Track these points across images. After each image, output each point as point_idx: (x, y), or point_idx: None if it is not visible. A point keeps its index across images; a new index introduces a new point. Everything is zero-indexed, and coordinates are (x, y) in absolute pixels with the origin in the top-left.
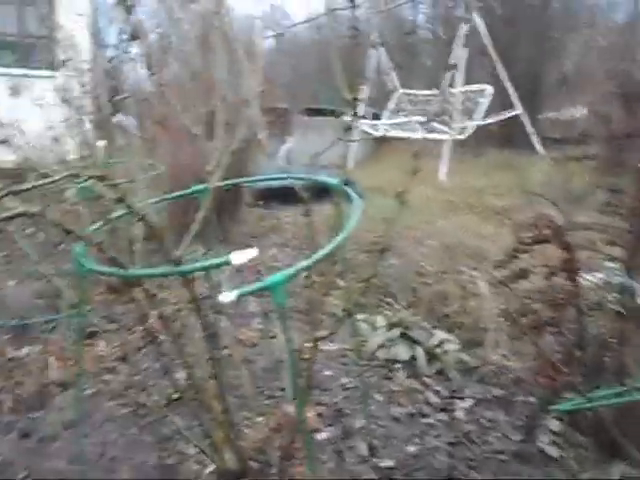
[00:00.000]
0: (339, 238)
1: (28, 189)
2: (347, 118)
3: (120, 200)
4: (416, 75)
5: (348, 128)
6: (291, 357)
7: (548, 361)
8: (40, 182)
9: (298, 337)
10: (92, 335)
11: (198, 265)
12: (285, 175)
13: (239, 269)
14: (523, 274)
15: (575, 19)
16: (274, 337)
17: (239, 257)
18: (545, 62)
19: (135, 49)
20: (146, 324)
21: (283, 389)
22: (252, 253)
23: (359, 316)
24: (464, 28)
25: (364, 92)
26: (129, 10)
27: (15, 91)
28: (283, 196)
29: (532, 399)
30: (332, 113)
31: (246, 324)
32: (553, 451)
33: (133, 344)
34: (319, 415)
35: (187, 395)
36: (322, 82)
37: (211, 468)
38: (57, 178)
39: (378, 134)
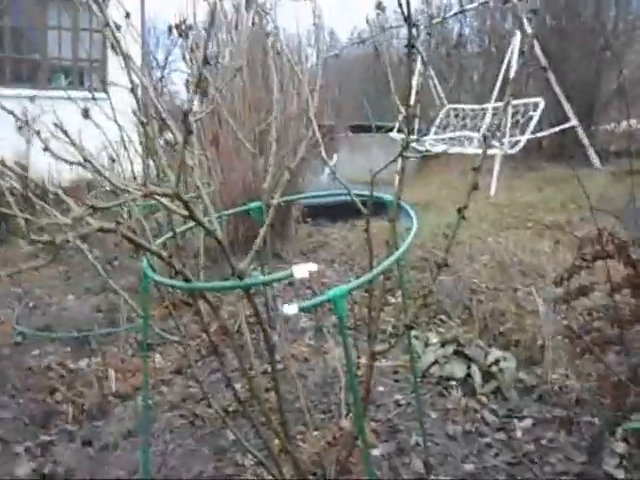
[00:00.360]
0: (398, 252)
1: (113, 205)
2: (393, 134)
3: (191, 217)
4: (463, 89)
5: (406, 146)
6: (349, 369)
7: (613, 380)
8: (121, 200)
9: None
10: (149, 348)
11: (263, 278)
12: (346, 191)
13: (290, 284)
14: (584, 290)
15: (632, 27)
16: (326, 353)
17: (301, 270)
18: (600, 72)
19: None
20: (208, 335)
21: (337, 404)
22: (312, 267)
23: (412, 332)
24: (516, 39)
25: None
26: (186, 35)
27: (85, 114)
28: (330, 213)
29: (596, 420)
30: (378, 130)
31: (297, 340)
32: (619, 474)
33: (188, 358)
34: (374, 431)
35: (243, 408)
36: (368, 98)
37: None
38: (138, 195)
39: (424, 149)
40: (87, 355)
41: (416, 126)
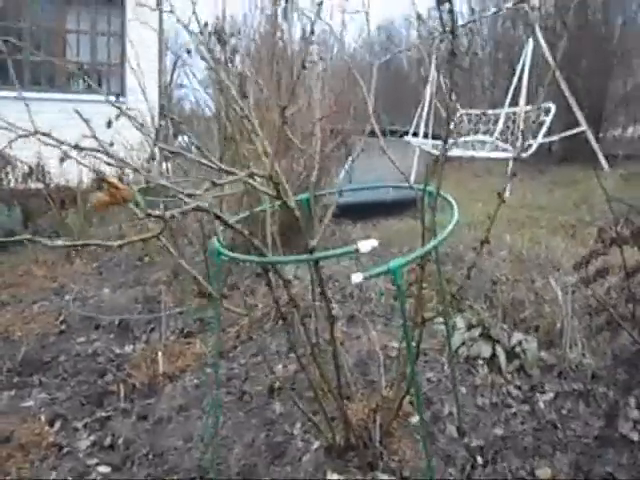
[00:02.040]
0: (444, 232)
1: (228, 182)
2: (408, 138)
3: (278, 197)
4: (475, 95)
5: (446, 141)
6: (405, 331)
7: (629, 348)
8: (230, 179)
9: (381, 338)
10: (188, 335)
11: (331, 252)
12: (390, 184)
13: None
14: (602, 273)
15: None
16: (359, 338)
17: (365, 245)
18: (608, 79)
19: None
20: (278, 305)
21: (376, 380)
22: (374, 243)
23: (439, 319)
24: (529, 47)
25: (424, 113)
26: (224, 42)
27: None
28: (351, 214)
29: (610, 392)
30: (392, 134)
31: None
32: (634, 436)
33: (229, 343)
34: (410, 403)
35: (305, 372)
36: (381, 104)
37: (316, 445)
38: (242, 175)
39: (438, 153)
40: (131, 342)
41: (430, 130)
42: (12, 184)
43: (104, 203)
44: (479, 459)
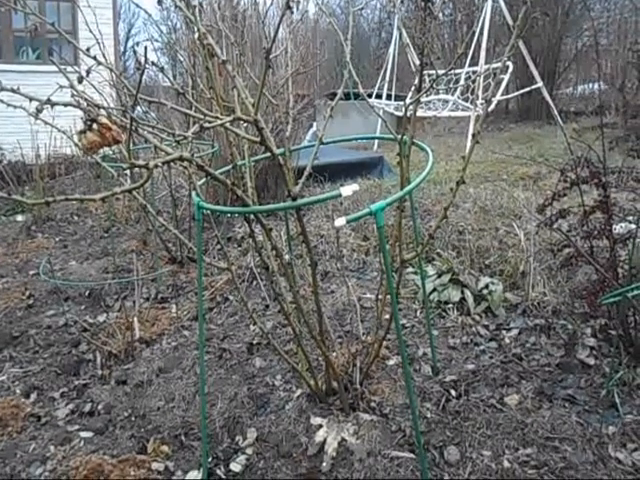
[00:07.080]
0: (419, 178)
1: (220, 125)
2: (371, 101)
3: (262, 142)
4: (436, 55)
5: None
6: (387, 269)
7: (585, 284)
8: (221, 121)
9: (355, 291)
10: (163, 301)
11: (314, 198)
12: (370, 135)
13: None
14: (563, 214)
15: None
16: (333, 292)
17: (346, 190)
18: (561, 39)
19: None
20: (261, 255)
21: (350, 332)
22: (355, 187)
23: (409, 269)
24: (488, 6)
25: (387, 74)
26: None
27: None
28: (317, 176)
29: (569, 325)
30: (356, 97)
31: (305, 283)
32: (590, 360)
33: (205, 305)
34: (386, 347)
35: (288, 321)
36: (342, 67)
37: (298, 392)
38: (229, 119)
39: (401, 114)
40: (103, 311)
41: (393, 92)
42: None
43: (95, 144)
44: (453, 392)
